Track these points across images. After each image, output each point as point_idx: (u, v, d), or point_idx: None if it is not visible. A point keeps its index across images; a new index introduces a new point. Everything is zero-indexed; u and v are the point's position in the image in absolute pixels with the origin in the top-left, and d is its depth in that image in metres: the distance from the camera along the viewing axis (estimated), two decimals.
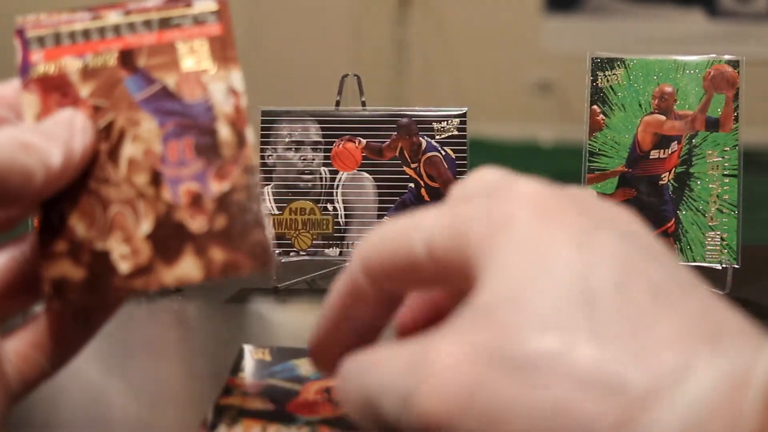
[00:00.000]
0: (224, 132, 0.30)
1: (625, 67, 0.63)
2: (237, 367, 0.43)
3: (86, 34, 0.31)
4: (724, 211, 0.61)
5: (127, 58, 0.30)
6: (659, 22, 1.57)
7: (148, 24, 0.31)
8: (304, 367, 0.43)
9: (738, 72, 0.61)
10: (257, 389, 0.41)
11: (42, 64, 0.31)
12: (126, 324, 0.31)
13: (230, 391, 0.40)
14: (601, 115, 0.62)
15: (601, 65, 0.63)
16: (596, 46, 0.69)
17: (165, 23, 0.31)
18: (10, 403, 0.29)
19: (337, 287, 0.27)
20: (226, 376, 0.42)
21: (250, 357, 0.45)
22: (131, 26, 0.31)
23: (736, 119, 0.61)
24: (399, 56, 2.33)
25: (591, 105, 0.63)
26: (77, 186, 0.29)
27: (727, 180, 0.60)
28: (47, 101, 0.30)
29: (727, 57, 0.62)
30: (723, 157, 0.61)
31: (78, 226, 0.29)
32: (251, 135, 0.30)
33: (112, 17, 0.31)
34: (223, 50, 0.31)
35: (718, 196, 0.61)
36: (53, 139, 0.29)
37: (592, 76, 0.63)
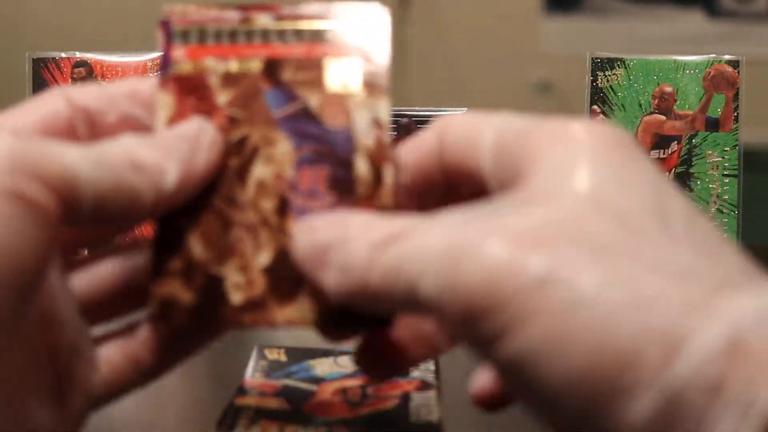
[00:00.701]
0: (362, 166, 0.27)
1: (625, 67, 0.63)
2: (252, 367, 0.44)
3: (233, 35, 0.28)
4: (724, 211, 0.61)
5: (272, 68, 0.28)
6: (659, 22, 1.57)
7: (299, 34, 0.28)
8: (320, 367, 0.44)
9: (738, 72, 0.62)
10: (273, 390, 0.41)
11: (183, 62, 0.28)
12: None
13: (246, 392, 0.41)
14: (601, 115, 0.63)
15: (601, 65, 0.64)
16: (596, 46, 0.70)
17: (318, 36, 0.28)
18: (91, 409, 0.29)
19: (412, 145, 0.28)
20: (241, 376, 0.43)
21: (266, 357, 0.45)
22: (281, 34, 0.28)
23: (736, 119, 0.61)
24: (399, 56, 2.33)
25: (591, 105, 0.63)
26: (199, 201, 0.27)
27: (727, 180, 0.61)
28: (183, 104, 0.28)
29: (727, 57, 0.62)
30: (723, 157, 0.61)
31: (195, 245, 0.27)
32: (390, 174, 0.27)
33: (263, 20, 0.28)
34: (375, 76, 0.28)
35: (718, 196, 0.61)
36: (171, 157, 0.27)
37: (591, 76, 0.63)
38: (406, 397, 0.40)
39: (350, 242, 0.24)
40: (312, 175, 0.27)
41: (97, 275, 0.31)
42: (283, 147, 0.27)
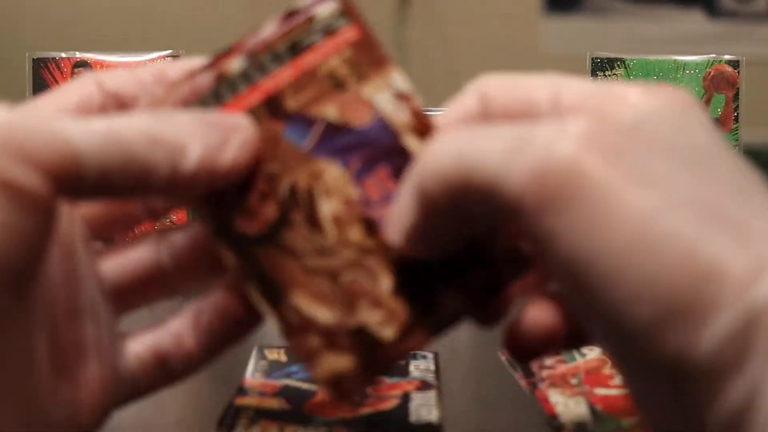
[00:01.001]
0: (413, 143, 0.26)
1: (625, 67, 0.63)
2: (252, 367, 0.44)
3: (217, 96, 0.27)
4: None
5: (273, 107, 0.26)
6: (659, 22, 1.57)
7: (277, 58, 0.26)
8: None
9: (738, 72, 0.62)
10: (273, 390, 0.41)
11: None
12: (139, 324, 0.31)
13: (246, 392, 0.41)
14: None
15: (601, 65, 0.64)
16: (596, 46, 0.69)
17: (294, 50, 0.26)
18: (115, 406, 0.29)
19: (451, 109, 0.27)
20: (241, 376, 0.43)
21: (266, 357, 0.45)
22: (261, 67, 0.26)
23: (736, 119, 0.61)
24: (399, 56, 2.33)
25: None
26: (295, 274, 0.26)
27: None
28: None
29: (727, 57, 0.62)
30: None
31: (319, 313, 0.26)
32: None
33: (236, 65, 0.26)
34: (370, 53, 0.27)
35: None
36: (197, 138, 0.25)
37: (592, 76, 0.63)
38: (406, 397, 0.40)
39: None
40: (375, 181, 0.26)
41: (127, 261, 0.30)
42: (333, 173, 0.26)
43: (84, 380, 0.27)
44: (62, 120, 0.24)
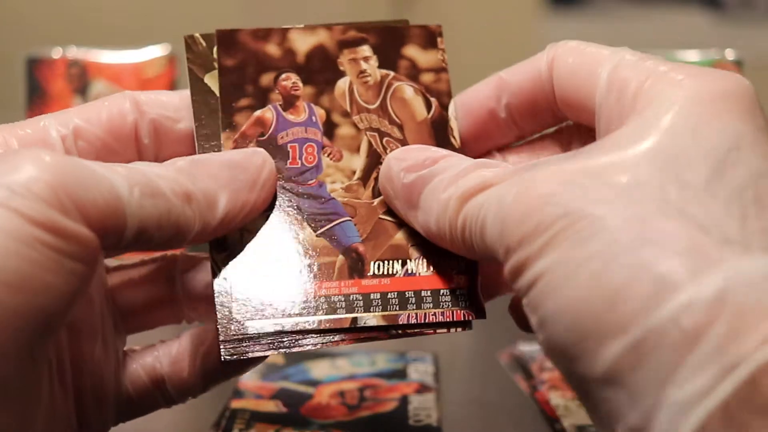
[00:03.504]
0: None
1: None
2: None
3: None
4: None
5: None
6: (661, 21, 1.57)
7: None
8: (317, 369, 0.43)
9: (741, 70, 0.62)
10: (270, 392, 0.41)
11: None
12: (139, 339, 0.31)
13: (241, 395, 0.40)
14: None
15: None
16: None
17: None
18: (115, 423, 0.29)
19: (519, 66, 0.30)
20: (238, 378, 0.42)
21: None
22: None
23: None
24: None
25: None
26: None
27: None
28: None
29: (729, 57, 0.62)
30: None
31: None
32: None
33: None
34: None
35: None
36: (225, 188, 0.26)
37: None
38: (404, 400, 0.40)
39: (437, 190, 0.27)
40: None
41: (138, 282, 0.30)
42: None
43: (87, 398, 0.28)
44: (111, 169, 0.23)
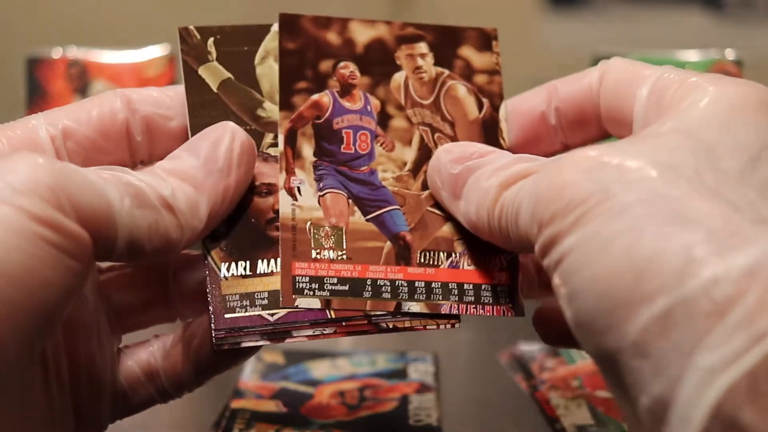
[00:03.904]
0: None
1: None
2: (249, 369, 0.43)
3: None
4: None
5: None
6: (661, 21, 1.57)
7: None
8: (317, 369, 0.43)
9: (741, 70, 0.62)
10: (270, 392, 0.41)
11: None
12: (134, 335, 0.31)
13: (242, 394, 0.40)
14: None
15: None
16: (597, 45, 0.69)
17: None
18: (112, 420, 0.29)
19: (572, 77, 0.31)
20: (238, 378, 0.42)
21: (262, 359, 0.45)
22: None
23: None
24: None
25: None
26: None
27: None
28: None
29: (729, 57, 0.62)
30: None
31: None
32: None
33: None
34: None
35: None
36: (204, 189, 0.27)
37: None
38: (404, 400, 0.40)
39: (480, 179, 0.27)
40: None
41: (132, 281, 0.31)
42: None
43: (84, 396, 0.28)
44: (103, 178, 0.24)
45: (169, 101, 0.29)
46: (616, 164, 0.23)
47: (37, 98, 0.57)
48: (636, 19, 1.63)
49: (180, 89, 0.30)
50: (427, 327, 0.29)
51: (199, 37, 0.31)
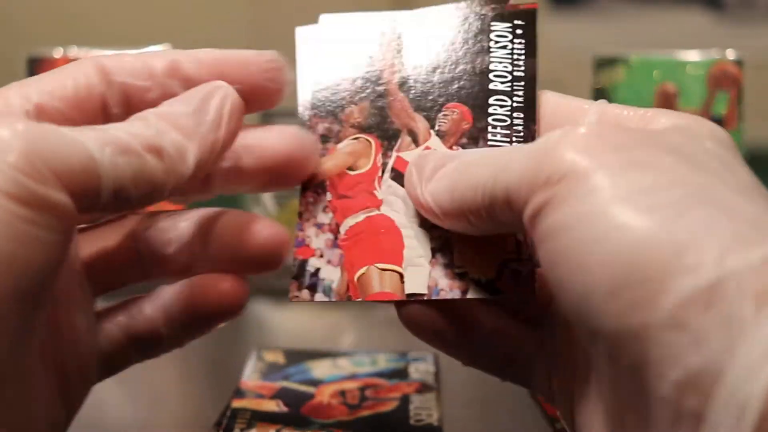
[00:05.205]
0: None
1: (628, 66, 0.63)
2: (249, 369, 0.43)
3: None
4: None
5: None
6: (661, 21, 1.57)
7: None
8: (318, 369, 0.43)
9: (741, 70, 0.62)
10: (271, 392, 0.41)
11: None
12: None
13: (243, 394, 0.40)
14: None
15: (604, 63, 0.63)
16: (598, 44, 0.69)
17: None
18: (95, 381, 0.29)
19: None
20: (238, 378, 0.42)
21: (263, 359, 0.45)
22: None
23: (740, 118, 0.61)
24: None
25: None
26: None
27: None
28: None
29: (730, 57, 0.62)
30: None
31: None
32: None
33: None
34: None
35: None
36: (193, 135, 0.26)
37: (594, 74, 0.63)
38: (405, 399, 0.40)
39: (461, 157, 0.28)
40: None
41: (103, 243, 0.30)
42: None
43: (68, 365, 0.27)
44: (83, 132, 0.23)
45: (146, 70, 0.28)
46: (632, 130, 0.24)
47: None
48: (636, 19, 1.63)
49: (159, 56, 0.28)
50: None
51: None
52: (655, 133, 0.25)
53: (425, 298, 0.30)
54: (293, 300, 0.30)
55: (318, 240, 0.31)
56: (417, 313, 0.30)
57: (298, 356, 0.45)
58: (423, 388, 0.41)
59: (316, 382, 0.42)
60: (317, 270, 0.31)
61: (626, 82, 0.62)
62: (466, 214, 0.27)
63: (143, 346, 0.30)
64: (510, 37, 0.32)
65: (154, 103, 0.28)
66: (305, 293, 0.31)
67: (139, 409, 0.32)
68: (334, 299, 0.30)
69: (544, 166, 0.23)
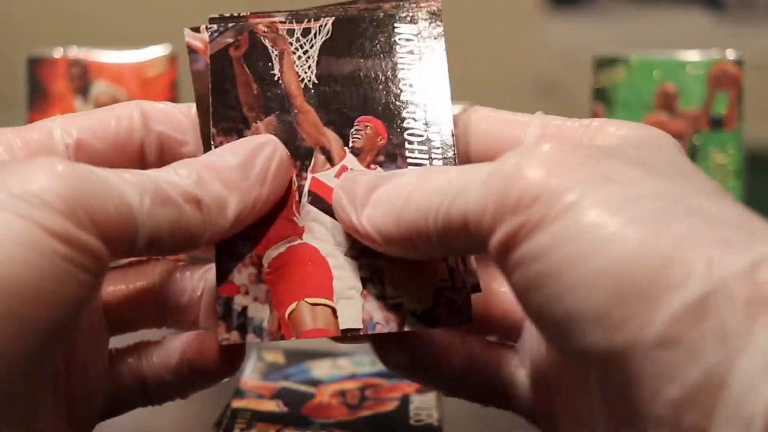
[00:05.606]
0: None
1: (628, 66, 0.63)
2: (249, 369, 0.43)
3: None
4: None
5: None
6: (661, 21, 1.56)
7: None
8: (318, 369, 0.43)
9: (741, 70, 0.62)
10: (271, 392, 0.41)
11: None
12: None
13: (243, 394, 0.40)
14: (604, 114, 0.62)
15: (603, 63, 0.63)
16: (598, 44, 0.69)
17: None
18: (100, 420, 0.29)
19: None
20: (239, 378, 0.42)
21: (263, 359, 0.45)
22: None
23: (740, 118, 0.61)
24: None
25: (593, 104, 0.63)
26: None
27: (732, 179, 0.61)
28: None
29: (730, 57, 0.62)
30: (726, 155, 0.61)
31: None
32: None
33: None
34: None
35: None
36: (235, 189, 0.26)
37: (594, 74, 0.63)
38: (405, 399, 0.40)
39: (395, 179, 0.26)
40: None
41: (123, 284, 0.30)
42: None
43: (78, 399, 0.28)
44: (122, 177, 0.23)
45: (186, 125, 0.29)
46: (592, 153, 0.23)
47: (38, 98, 0.57)
48: (636, 19, 1.63)
49: (194, 111, 0.29)
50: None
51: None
52: (612, 146, 0.25)
53: (361, 333, 0.28)
54: (223, 343, 0.28)
55: (241, 276, 0.28)
56: (389, 351, 0.30)
57: (298, 356, 0.45)
58: (423, 388, 0.41)
59: (316, 382, 0.42)
60: (244, 308, 0.28)
61: (626, 82, 0.62)
62: (414, 241, 0.25)
63: (149, 391, 0.30)
64: (415, 40, 0.30)
65: (189, 156, 0.28)
66: (235, 335, 0.28)
67: (138, 410, 0.32)
68: (267, 340, 0.28)
69: (511, 189, 0.22)
